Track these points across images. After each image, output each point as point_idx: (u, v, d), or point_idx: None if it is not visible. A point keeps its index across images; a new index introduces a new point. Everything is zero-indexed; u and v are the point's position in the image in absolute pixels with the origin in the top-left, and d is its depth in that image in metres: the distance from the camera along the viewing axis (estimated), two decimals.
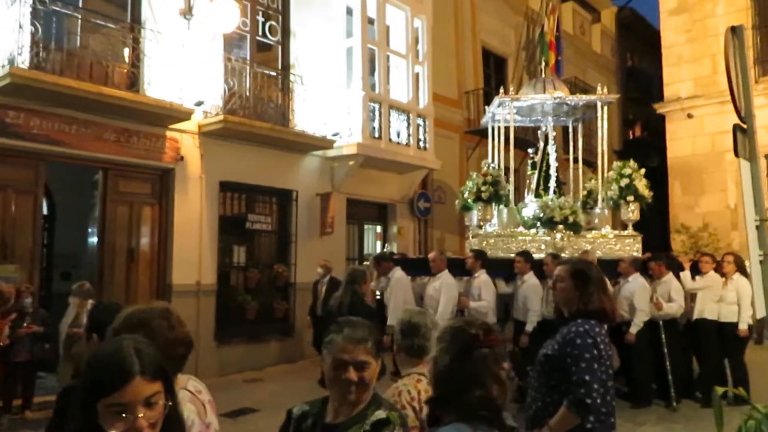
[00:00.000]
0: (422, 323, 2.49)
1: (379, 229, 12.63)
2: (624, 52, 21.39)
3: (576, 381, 2.43)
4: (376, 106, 10.87)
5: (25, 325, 6.54)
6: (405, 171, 11.94)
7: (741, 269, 7.12)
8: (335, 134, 10.35)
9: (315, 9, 10.67)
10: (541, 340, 7.04)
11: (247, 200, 9.90)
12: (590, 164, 11.81)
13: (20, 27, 6.93)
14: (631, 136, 21.29)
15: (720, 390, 1.65)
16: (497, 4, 15.63)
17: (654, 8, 14.82)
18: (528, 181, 9.64)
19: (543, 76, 9.72)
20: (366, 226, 12.42)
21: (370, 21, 11.09)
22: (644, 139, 20.28)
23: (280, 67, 10.30)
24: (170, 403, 1.36)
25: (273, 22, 10.30)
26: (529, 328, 6.96)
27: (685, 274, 7.48)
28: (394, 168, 11.64)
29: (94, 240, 8.44)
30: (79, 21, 7.82)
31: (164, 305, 2.03)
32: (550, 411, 2.44)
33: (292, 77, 10.13)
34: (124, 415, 1.28)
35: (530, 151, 9.83)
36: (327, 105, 10.41)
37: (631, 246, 8.53)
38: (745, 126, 3.05)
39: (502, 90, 9.29)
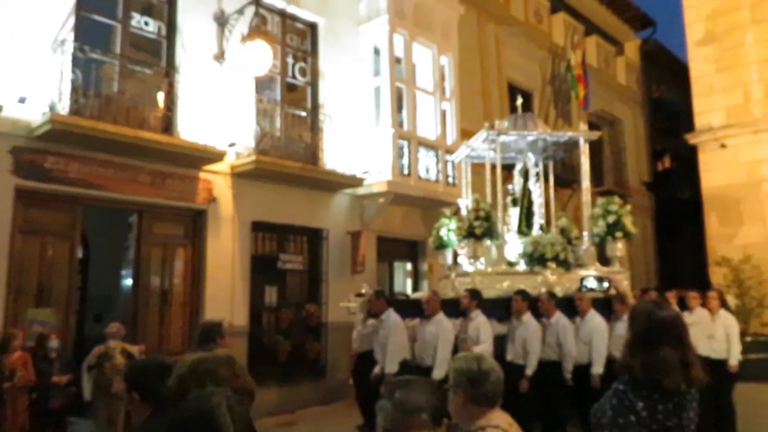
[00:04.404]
0: (490, 368, 2.31)
1: (409, 266, 12.48)
2: (649, 83, 21.26)
3: None
4: (405, 143, 10.87)
5: (55, 374, 6.51)
6: (435, 207, 11.83)
7: (724, 305, 7.01)
8: (365, 172, 10.35)
9: (343, 50, 10.81)
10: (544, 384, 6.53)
11: (278, 240, 9.87)
12: (621, 196, 11.67)
13: (61, 74, 7.11)
14: (660, 168, 20.98)
15: None
16: (521, 39, 15.69)
17: (678, 39, 14.78)
18: (507, 218, 9.42)
19: (519, 112, 9.58)
20: (396, 264, 12.28)
21: (398, 60, 11.19)
22: (674, 171, 19.96)
23: (309, 107, 10.40)
24: None
25: (302, 64, 10.44)
26: (529, 371, 6.58)
27: None
28: (424, 204, 11.56)
29: (127, 282, 8.45)
30: (117, 67, 8.00)
31: (227, 353, 1.94)
32: None
33: (321, 116, 10.20)
34: None
35: (509, 187, 9.65)
36: (356, 143, 10.45)
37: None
38: None
39: (487, 124, 9.04)
